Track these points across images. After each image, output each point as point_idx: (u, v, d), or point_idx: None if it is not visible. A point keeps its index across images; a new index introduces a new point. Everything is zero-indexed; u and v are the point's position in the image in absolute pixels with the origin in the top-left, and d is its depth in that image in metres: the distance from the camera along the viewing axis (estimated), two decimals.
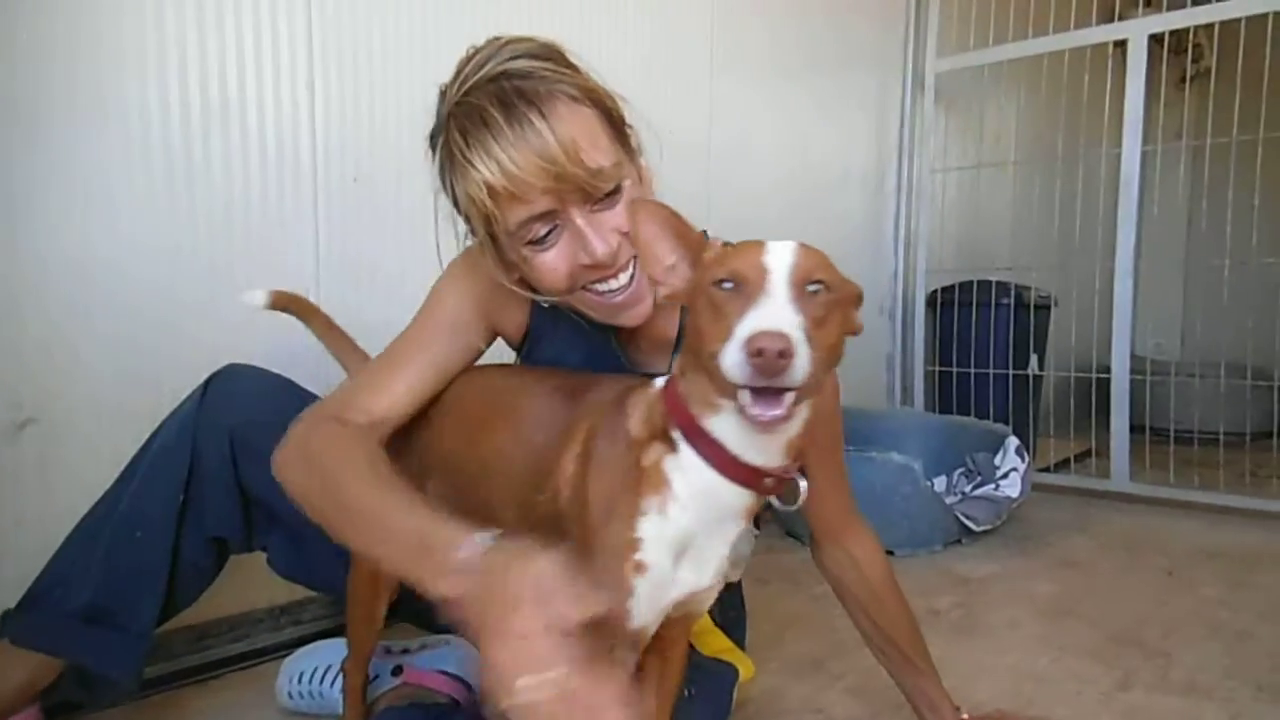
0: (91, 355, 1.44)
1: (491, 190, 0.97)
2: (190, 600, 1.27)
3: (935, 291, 3.43)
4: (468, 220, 1.07)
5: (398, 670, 1.35)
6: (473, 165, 0.97)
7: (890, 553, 2.22)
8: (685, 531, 0.84)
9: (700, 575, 0.88)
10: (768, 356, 0.69)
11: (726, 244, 0.87)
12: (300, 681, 1.39)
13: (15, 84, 1.35)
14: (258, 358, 1.31)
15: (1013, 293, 3.29)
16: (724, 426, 0.81)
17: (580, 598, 0.74)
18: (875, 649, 1.28)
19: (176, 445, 1.20)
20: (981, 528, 2.45)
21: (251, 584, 1.56)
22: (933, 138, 3.37)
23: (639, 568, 0.83)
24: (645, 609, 0.84)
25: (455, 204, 1.07)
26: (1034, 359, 3.39)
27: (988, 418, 3.06)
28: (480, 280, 1.15)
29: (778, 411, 0.72)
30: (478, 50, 1.04)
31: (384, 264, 1.76)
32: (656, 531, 0.83)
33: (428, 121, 1.07)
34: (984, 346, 3.28)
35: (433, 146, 1.07)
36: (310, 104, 1.67)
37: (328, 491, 0.95)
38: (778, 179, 2.86)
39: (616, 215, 1.03)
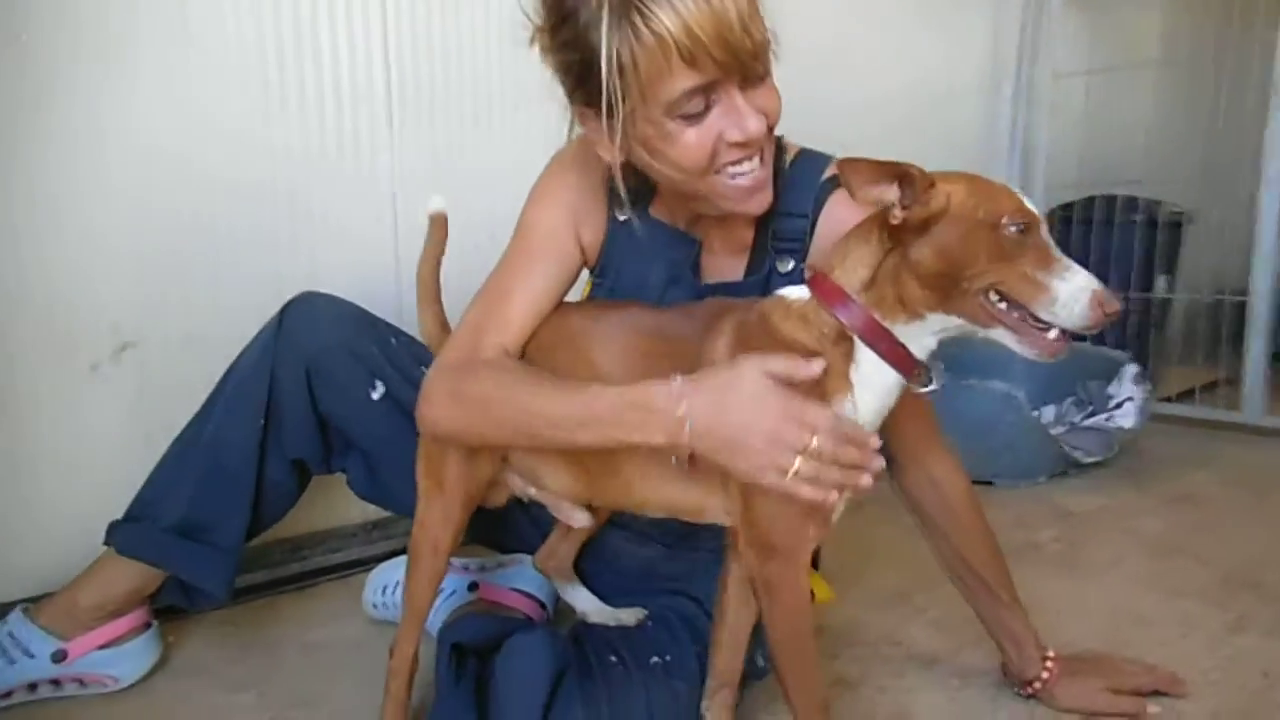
0: (182, 283, 1.50)
1: (665, 51, 0.89)
2: (277, 517, 1.34)
3: (1055, 208, 3.19)
4: (609, 91, 0.95)
5: (473, 586, 1.39)
6: (653, 17, 0.89)
7: (989, 483, 2.19)
8: (865, 425, 0.93)
9: None
10: (1113, 316, 0.83)
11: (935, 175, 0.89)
12: (384, 593, 1.45)
13: (109, 15, 1.38)
14: (337, 287, 1.34)
15: (1142, 208, 3.03)
16: (912, 331, 0.91)
17: (791, 362, 0.89)
18: (954, 576, 1.23)
19: (256, 372, 1.24)
20: (1090, 459, 2.31)
21: (346, 499, 1.62)
22: (1058, 38, 3.08)
23: None
24: (857, 493, 0.92)
25: (578, 74, 0.97)
26: (1161, 280, 3.13)
27: (1106, 344, 2.86)
28: (568, 193, 1.14)
29: (1065, 346, 0.87)
30: None
31: (462, 187, 1.75)
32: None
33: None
34: (1106, 266, 3.03)
35: (564, 20, 0.96)
36: (383, 33, 1.66)
37: (506, 417, 0.99)
38: (877, 90, 2.67)
39: (762, 94, 0.98)
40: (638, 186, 1.09)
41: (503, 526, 1.36)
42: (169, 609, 1.37)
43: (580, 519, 1.10)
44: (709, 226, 1.13)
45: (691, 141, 0.97)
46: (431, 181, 1.73)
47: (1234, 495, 2.20)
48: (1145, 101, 3.31)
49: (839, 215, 1.05)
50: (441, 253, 1.21)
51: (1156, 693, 1.22)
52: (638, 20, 0.89)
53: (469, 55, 1.73)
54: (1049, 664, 1.21)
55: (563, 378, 1.00)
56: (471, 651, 1.12)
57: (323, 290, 1.32)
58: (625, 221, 1.13)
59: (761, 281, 1.10)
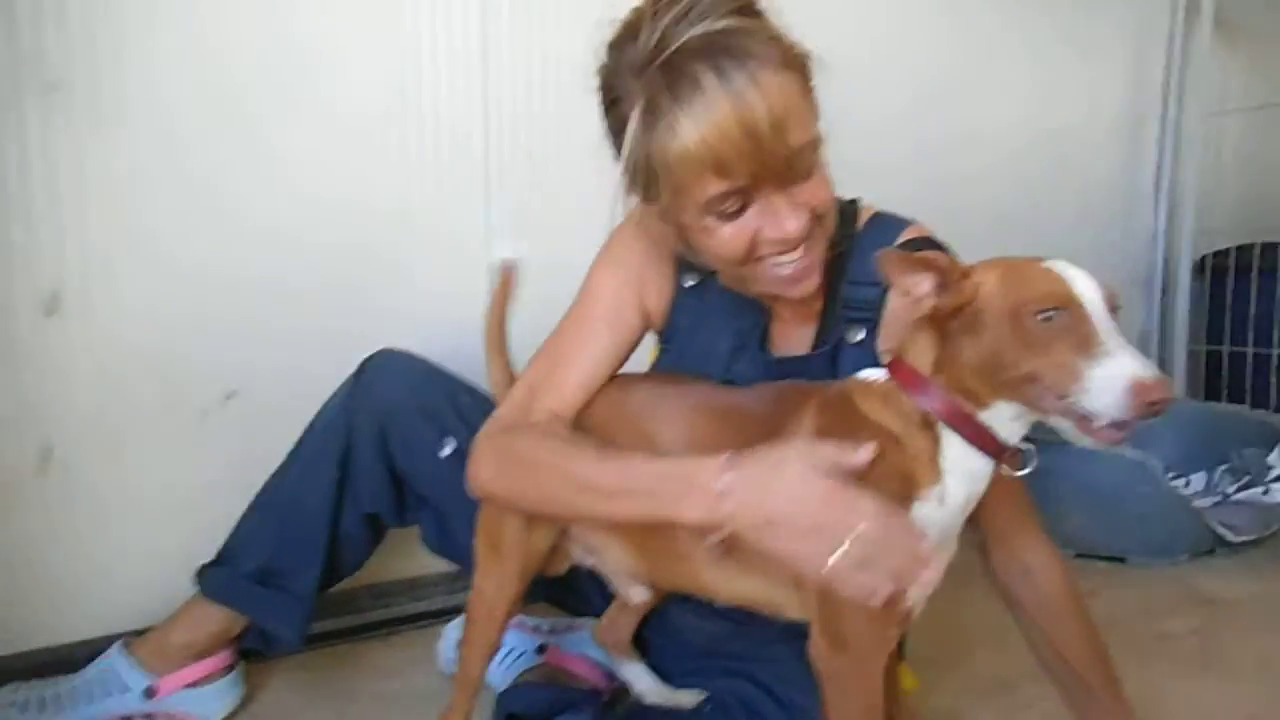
0: (284, 331, 1.57)
1: (691, 160, 0.89)
2: (353, 568, 1.38)
3: (1205, 257, 2.92)
4: (645, 185, 0.98)
5: (541, 649, 1.37)
6: (678, 129, 0.88)
7: (1120, 559, 1.99)
8: (954, 513, 0.90)
9: (948, 553, 0.93)
10: (1159, 406, 0.76)
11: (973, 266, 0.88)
12: (458, 649, 1.44)
13: (225, 86, 1.49)
14: (430, 345, 1.38)
15: None
16: (993, 415, 0.87)
17: (840, 448, 0.85)
18: (1050, 674, 1.12)
19: (333, 427, 1.30)
20: (1241, 538, 2.07)
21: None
22: (1208, 76, 2.85)
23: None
24: (919, 589, 0.87)
25: (631, 165, 0.97)
26: None
27: (1266, 407, 2.58)
28: (634, 257, 1.13)
29: (1124, 436, 0.79)
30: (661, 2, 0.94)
31: (557, 237, 1.76)
32: (933, 516, 0.88)
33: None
34: (1266, 321, 2.76)
35: (612, 105, 0.98)
36: (483, 95, 1.71)
37: (545, 481, 0.99)
38: (1006, 125, 2.53)
39: (809, 188, 0.95)
40: None
41: (571, 589, 1.35)
42: (254, 652, 1.42)
43: (637, 596, 1.08)
44: (775, 294, 1.09)
45: (728, 237, 0.95)
46: (525, 239, 1.76)
47: None
48: None
49: None
50: (508, 303, 1.21)
51: None
52: (664, 128, 0.89)
53: (568, 115, 1.76)
54: None
55: (626, 452, 0.97)
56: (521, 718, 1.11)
57: (414, 348, 1.37)
58: (693, 288, 1.12)
59: (829, 355, 1.06)
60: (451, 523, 1.32)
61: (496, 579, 1.09)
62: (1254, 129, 2.98)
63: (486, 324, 1.22)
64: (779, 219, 0.93)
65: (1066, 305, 0.81)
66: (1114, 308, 0.82)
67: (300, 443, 1.33)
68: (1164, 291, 2.99)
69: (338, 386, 1.33)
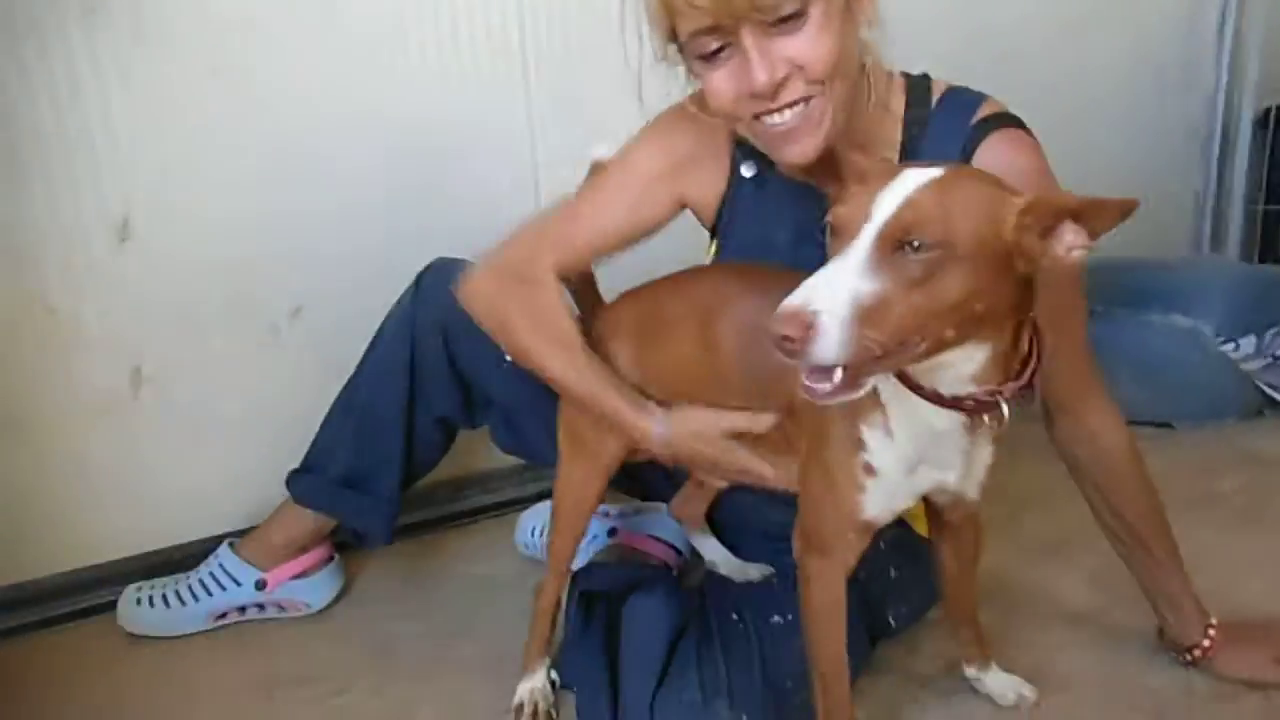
0: (344, 252, 1.61)
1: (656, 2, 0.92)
2: (429, 467, 1.45)
3: (1270, 108, 2.80)
4: (655, 37, 0.99)
5: (613, 532, 1.46)
6: None
7: (1169, 425, 2.01)
8: (908, 448, 0.87)
9: (945, 472, 0.91)
10: (777, 343, 0.67)
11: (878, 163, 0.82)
12: (533, 534, 1.55)
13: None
14: (483, 240, 1.36)
15: None
16: None
17: (750, 418, 1.01)
18: (1109, 534, 1.16)
19: (398, 336, 1.34)
20: None
21: None
22: None
23: (868, 469, 0.89)
24: (876, 505, 0.91)
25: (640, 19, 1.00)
26: None
27: None
28: (680, 139, 1.12)
29: (824, 386, 0.70)
30: None
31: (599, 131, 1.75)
32: (881, 445, 0.88)
33: None
34: None
35: None
36: None
37: (520, 348, 1.12)
38: None
39: (796, 42, 0.91)
40: None
41: (638, 477, 1.41)
42: (350, 544, 1.54)
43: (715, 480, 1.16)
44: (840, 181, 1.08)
45: (713, 85, 0.95)
46: (572, 140, 1.75)
47: None
48: None
49: (995, 160, 0.98)
50: None
51: None
52: None
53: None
54: (1211, 631, 1.13)
55: (596, 370, 1.08)
56: (603, 596, 1.19)
57: (468, 254, 1.38)
58: (753, 178, 1.11)
59: None
60: (520, 422, 1.38)
61: (582, 473, 1.14)
62: None
63: None
64: (749, 65, 0.90)
65: (840, 226, 0.74)
66: (903, 239, 0.70)
67: (368, 353, 1.38)
68: (1222, 147, 2.88)
69: (398, 297, 1.37)
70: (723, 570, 1.32)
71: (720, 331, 1.02)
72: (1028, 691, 1.12)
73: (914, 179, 0.72)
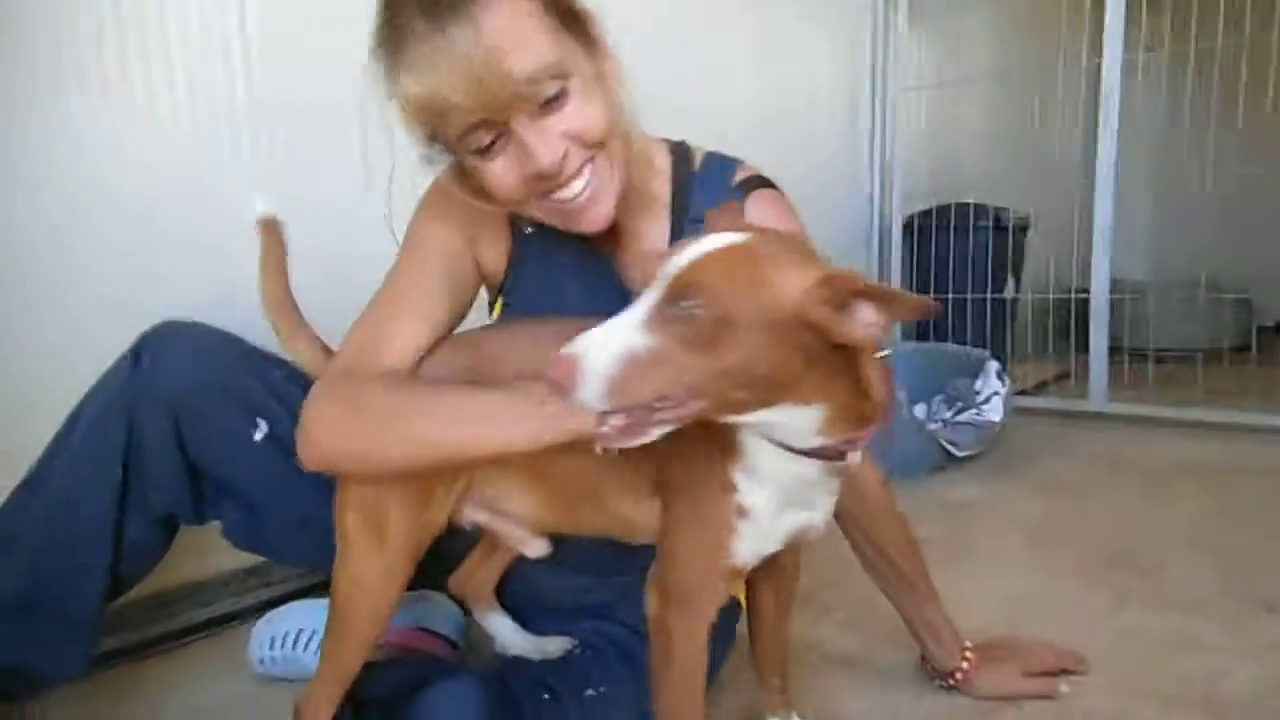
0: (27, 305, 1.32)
1: (418, 107, 0.88)
2: (138, 579, 1.18)
3: (913, 216, 3.35)
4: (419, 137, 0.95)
5: None
6: (398, 81, 0.88)
7: None
8: (776, 491, 0.86)
9: (811, 513, 0.91)
10: (549, 384, 0.69)
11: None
12: (274, 647, 1.31)
13: None
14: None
15: (991, 215, 3.23)
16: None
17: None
18: (873, 572, 1.24)
19: (109, 418, 1.08)
20: (965, 453, 2.43)
21: (216, 547, 1.47)
22: (905, 55, 3.25)
23: (740, 511, 0.87)
24: (746, 548, 0.88)
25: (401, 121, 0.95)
26: (1010, 282, 3.35)
27: (965, 343, 3.03)
28: (457, 210, 1.05)
29: (604, 430, 0.72)
30: None
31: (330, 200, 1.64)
32: (751, 487, 0.86)
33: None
34: (961, 271, 3.23)
35: (375, 58, 0.94)
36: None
37: (420, 424, 0.90)
38: (745, 101, 2.74)
39: (565, 119, 0.91)
40: None
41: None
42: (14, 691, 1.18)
43: (538, 548, 1.01)
44: (619, 235, 1.09)
45: (495, 176, 0.94)
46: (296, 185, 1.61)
47: (1093, 477, 2.36)
48: (982, 116, 3.55)
49: (758, 219, 1.02)
50: (283, 266, 1.07)
51: (1065, 671, 1.27)
52: (393, 82, 0.89)
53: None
54: (968, 654, 1.23)
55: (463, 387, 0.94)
56: (374, 705, 1.02)
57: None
58: (533, 234, 1.08)
59: None
60: (265, 513, 1.17)
61: (383, 567, 0.96)
62: (941, 103, 3.46)
63: (265, 296, 1.07)
64: (530, 151, 0.90)
65: (647, 278, 0.74)
66: (682, 296, 0.70)
67: (62, 441, 1.10)
68: (880, 248, 3.40)
69: (105, 371, 1.11)
70: (516, 651, 1.20)
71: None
72: None
73: (711, 243, 0.73)
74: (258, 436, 1.13)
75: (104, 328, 1.18)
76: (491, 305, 1.17)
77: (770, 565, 1.04)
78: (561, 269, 1.09)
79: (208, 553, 1.52)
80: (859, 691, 1.28)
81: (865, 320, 0.72)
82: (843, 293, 0.70)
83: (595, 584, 1.23)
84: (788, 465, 0.83)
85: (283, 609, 1.36)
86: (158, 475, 1.10)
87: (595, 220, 0.98)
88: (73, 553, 1.08)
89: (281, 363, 1.18)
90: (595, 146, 0.95)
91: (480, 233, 1.09)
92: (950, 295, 3.23)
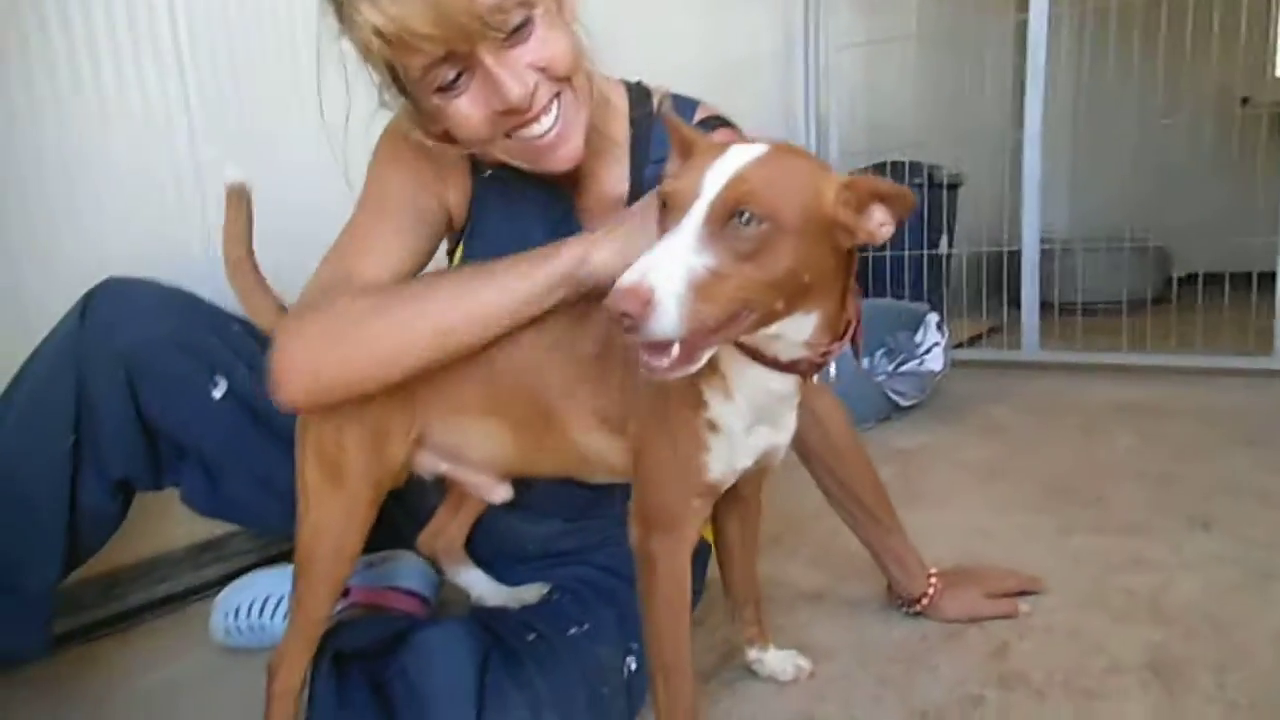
0: None
1: (383, 39, 0.85)
2: (94, 550, 1.13)
3: (850, 174, 3.40)
4: (379, 78, 0.94)
5: (345, 592, 1.26)
6: (358, 12, 0.85)
7: None
8: (746, 408, 0.86)
9: (779, 432, 0.92)
10: (616, 319, 0.66)
11: (712, 139, 0.82)
12: (239, 616, 1.28)
13: None
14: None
15: (925, 173, 3.30)
16: None
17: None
18: (840, 508, 1.27)
19: (56, 378, 1.03)
20: (909, 402, 2.49)
21: (171, 519, 1.43)
22: (838, 13, 3.28)
23: (711, 426, 0.87)
24: (720, 464, 0.88)
25: (360, 61, 0.93)
26: (943, 238, 3.43)
27: (902, 298, 3.10)
28: (414, 154, 1.02)
29: (662, 362, 0.70)
30: None
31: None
32: (721, 403, 0.86)
33: None
34: (897, 229, 3.28)
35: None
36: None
37: (407, 320, 0.88)
38: (685, 62, 2.73)
39: (531, 50, 0.90)
40: None
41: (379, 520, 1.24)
42: None
43: (502, 493, 1.00)
44: (579, 176, 1.08)
45: (461, 114, 0.92)
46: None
47: (1030, 421, 2.45)
48: (912, 73, 3.61)
49: None
50: (248, 230, 1.03)
51: (1023, 592, 1.32)
52: (349, 16, 0.87)
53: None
54: (933, 580, 1.27)
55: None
56: (355, 659, 1.00)
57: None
58: (492, 177, 1.06)
59: None
60: (226, 475, 1.14)
61: (343, 509, 0.94)
62: (873, 61, 3.50)
63: (228, 258, 1.03)
64: (498, 84, 0.89)
65: (674, 199, 0.73)
66: (732, 211, 0.70)
67: (4, 403, 1.05)
68: None
69: (52, 328, 1.07)
70: (492, 602, 1.19)
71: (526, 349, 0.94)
72: (804, 662, 1.16)
73: (741, 155, 0.73)
74: (217, 394, 1.09)
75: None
76: (451, 254, 1.15)
77: (734, 501, 1.07)
78: (523, 212, 1.07)
79: (160, 529, 1.47)
80: (831, 622, 1.31)
81: (878, 220, 0.76)
82: (865, 194, 0.74)
83: (564, 529, 1.23)
84: (763, 380, 0.84)
85: (246, 577, 1.33)
86: (111, 435, 1.06)
87: (566, 158, 0.97)
88: (25, 523, 1.04)
89: (239, 319, 1.14)
90: (562, 80, 0.94)
91: (440, 175, 1.06)
92: (889, 252, 3.30)
